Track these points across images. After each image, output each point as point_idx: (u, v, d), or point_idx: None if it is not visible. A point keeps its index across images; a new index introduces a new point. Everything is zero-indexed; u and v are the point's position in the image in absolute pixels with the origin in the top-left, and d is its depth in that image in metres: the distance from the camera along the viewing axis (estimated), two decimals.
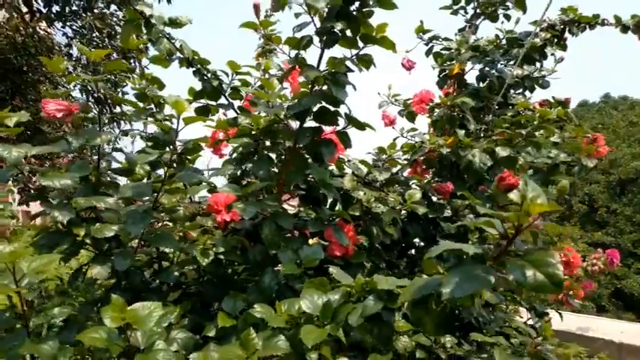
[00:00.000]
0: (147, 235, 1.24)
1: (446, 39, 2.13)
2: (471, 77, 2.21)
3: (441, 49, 2.14)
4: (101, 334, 0.89)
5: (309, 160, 1.37)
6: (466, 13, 2.19)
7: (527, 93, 2.10)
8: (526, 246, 2.01)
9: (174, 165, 1.56)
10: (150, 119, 1.58)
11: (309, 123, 1.36)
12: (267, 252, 1.30)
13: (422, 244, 1.86)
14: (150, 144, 1.55)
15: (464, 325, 1.79)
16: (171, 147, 1.34)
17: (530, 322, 2.06)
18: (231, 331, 1.13)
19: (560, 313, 2.24)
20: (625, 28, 2.24)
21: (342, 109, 1.33)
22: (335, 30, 1.18)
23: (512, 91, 2.04)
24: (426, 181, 1.87)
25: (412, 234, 1.76)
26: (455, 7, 2.19)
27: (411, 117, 2.08)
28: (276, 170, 1.42)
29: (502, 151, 1.55)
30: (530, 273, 0.56)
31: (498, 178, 0.79)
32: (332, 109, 1.32)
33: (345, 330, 0.87)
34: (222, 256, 1.27)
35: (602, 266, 2.86)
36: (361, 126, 1.32)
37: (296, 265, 1.21)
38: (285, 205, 1.48)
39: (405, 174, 1.92)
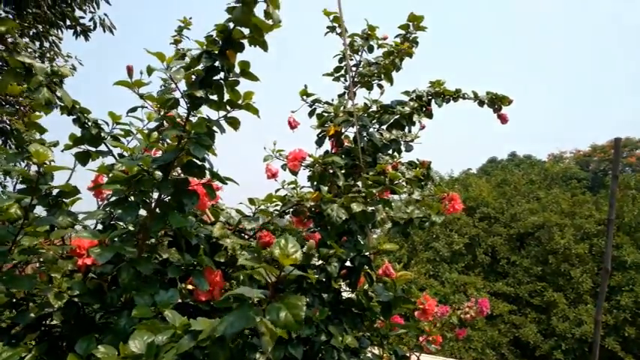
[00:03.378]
0: (5, 276, 1.28)
1: (327, 103, 2.38)
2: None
3: (322, 112, 2.37)
4: None
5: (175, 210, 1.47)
6: (345, 80, 2.46)
7: (396, 154, 2.36)
8: (386, 292, 2.20)
9: (48, 208, 1.62)
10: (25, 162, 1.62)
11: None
12: (126, 296, 1.38)
13: None
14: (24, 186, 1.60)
15: None
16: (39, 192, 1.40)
17: None
18: None
19: (418, 357, 2.44)
20: (481, 103, 2.61)
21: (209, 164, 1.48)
22: (197, 95, 1.33)
23: (380, 153, 2.29)
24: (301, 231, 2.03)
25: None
26: (336, 75, 2.46)
27: (294, 172, 2.26)
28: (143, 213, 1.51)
29: (356, 207, 1.75)
30: (283, 314, 0.70)
31: (258, 237, 0.95)
32: (199, 163, 1.46)
33: None
34: (77, 299, 1.32)
35: (474, 314, 3.15)
36: (223, 181, 1.46)
37: (150, 309, 1.29)
38: None
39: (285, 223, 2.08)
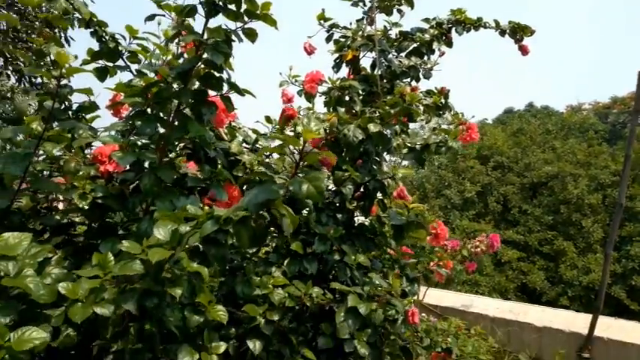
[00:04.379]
0: (29, 177, 1.32)
1: (344, 27, 2.32)
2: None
3: (340, 37, 2.32)
4: None
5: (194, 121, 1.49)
6: (365, 5, 2.39)
7: (414, 82, 2.33)
8: (400, 217, 2.22)
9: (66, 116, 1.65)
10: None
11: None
12: (147, 201, 1.43)
13: None
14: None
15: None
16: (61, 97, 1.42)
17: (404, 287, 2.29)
18: None
19: (427, 288, 2.52)
20: (503, 32, 2.54)
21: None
22: (216, 2, 1.31)
23: (398, 80, 2.26)
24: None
25: None
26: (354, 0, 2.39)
27: (309, 96, 2.24)
28: (162, 130, 1.53)
29: (373, 127, 1.75)
30: (305, 186, 0.72)
31: (282, 111, 0.96)
32: (217, 74, 1.45)
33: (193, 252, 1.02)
34: (100, 201, 1.36)
35: (484, 248, 3.20)
36: (240, 92, 1.46)
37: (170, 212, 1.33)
38: None
39: None
